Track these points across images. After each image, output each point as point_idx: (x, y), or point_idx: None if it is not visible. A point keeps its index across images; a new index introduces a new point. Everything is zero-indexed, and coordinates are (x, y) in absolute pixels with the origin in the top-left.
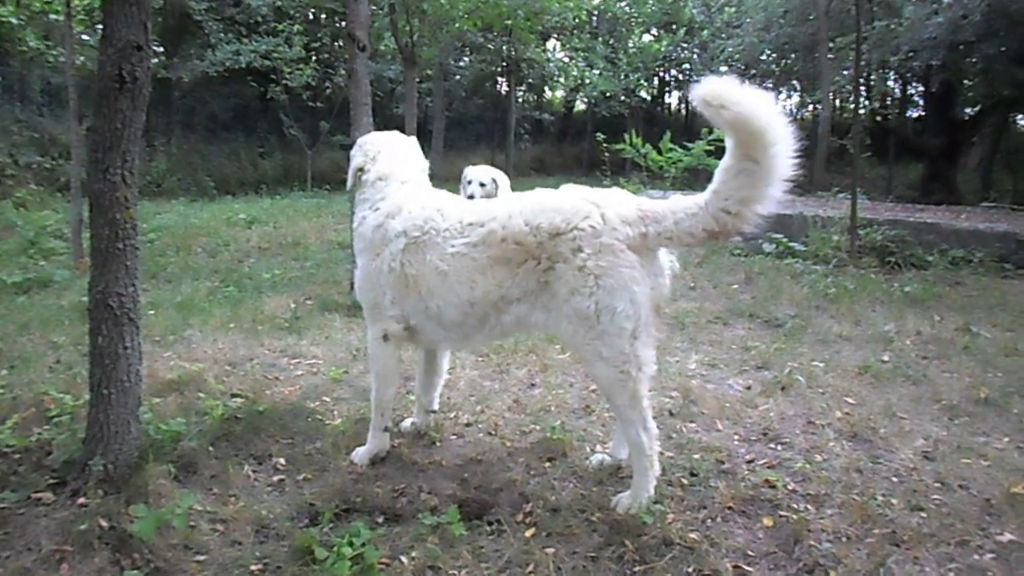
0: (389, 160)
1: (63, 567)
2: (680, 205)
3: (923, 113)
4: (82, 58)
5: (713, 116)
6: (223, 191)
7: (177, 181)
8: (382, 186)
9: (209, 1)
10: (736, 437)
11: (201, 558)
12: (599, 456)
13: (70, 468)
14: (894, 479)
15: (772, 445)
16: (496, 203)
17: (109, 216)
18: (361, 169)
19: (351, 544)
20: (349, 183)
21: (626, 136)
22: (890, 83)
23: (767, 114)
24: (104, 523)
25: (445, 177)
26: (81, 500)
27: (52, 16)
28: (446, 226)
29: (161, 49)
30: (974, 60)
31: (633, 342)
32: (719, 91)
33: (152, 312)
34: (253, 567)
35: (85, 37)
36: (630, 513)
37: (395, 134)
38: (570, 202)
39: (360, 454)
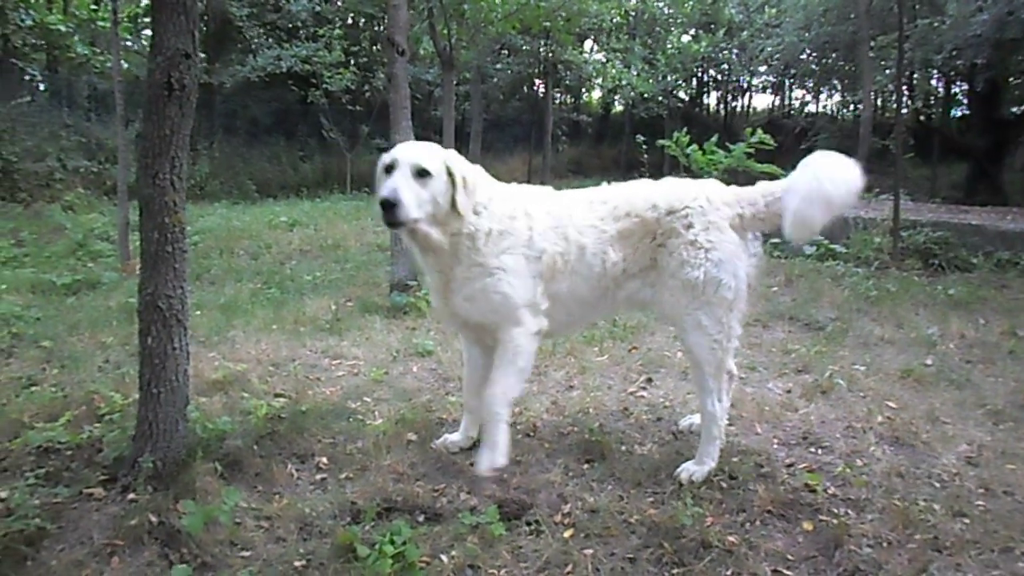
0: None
1: (114, 560)
2: (768, 189)
3: (967, 112)
4: (126, 64)
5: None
6: (264, 194)
7: (220, 184)
8: (487, 182)
9: (250, 7)
10: (775, 440)
11: (246, 554)
12: (690, 418)
13: (120, 464)
14: (936, 484)
15: (812, 449)
16: (604, 186)
17: (158, 220)
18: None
19: (392, 542)
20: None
21: (675, 135)
22: (933, 82)
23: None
24: (153, 518)
25: None
26: (131, 496)
27: (99, 23)
28: (572, 203)
29: (204, 55)
30: (1021, 58)
31: (729, 313)
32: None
33: (197, 313)
34: (297, 563)
35: (130, 43)
36: (694, 479)
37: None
38: (680, 185)
39: (486, 463)
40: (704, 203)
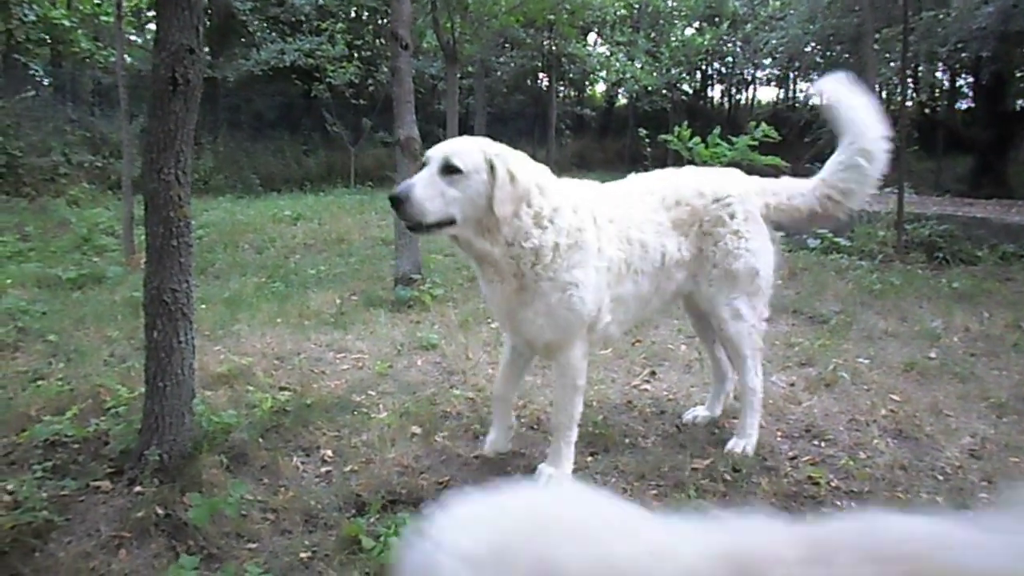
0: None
1: (121, 552)
2: (792, 184)
3: (972, 105)
4: (130, 58)
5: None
6: (268, 188)
7: (224, 179)
8: (555, 188)
9: (253, 1)
10: (779, 433)
11: (252, 545)
12: (694, 411)
13: (127, 457)
14: (939, 477)
15: (815, 442)
16: (642, 176)
17: (163, 214)
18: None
19: (397, 534)
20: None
21: (676, 129)
22: (938, 75)
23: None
24: (160, 510)
25: None
26: (138, 488)
27: (102, 18)
28: (624, 198)
29: (207, 49)
30: None
31: (761, 300)
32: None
33: (202, 307)
34: (302, 555)
35: (134, 37)
36: (747, 452)
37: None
38: (718, 174)
39: (552, 480)
40: (742, 191)
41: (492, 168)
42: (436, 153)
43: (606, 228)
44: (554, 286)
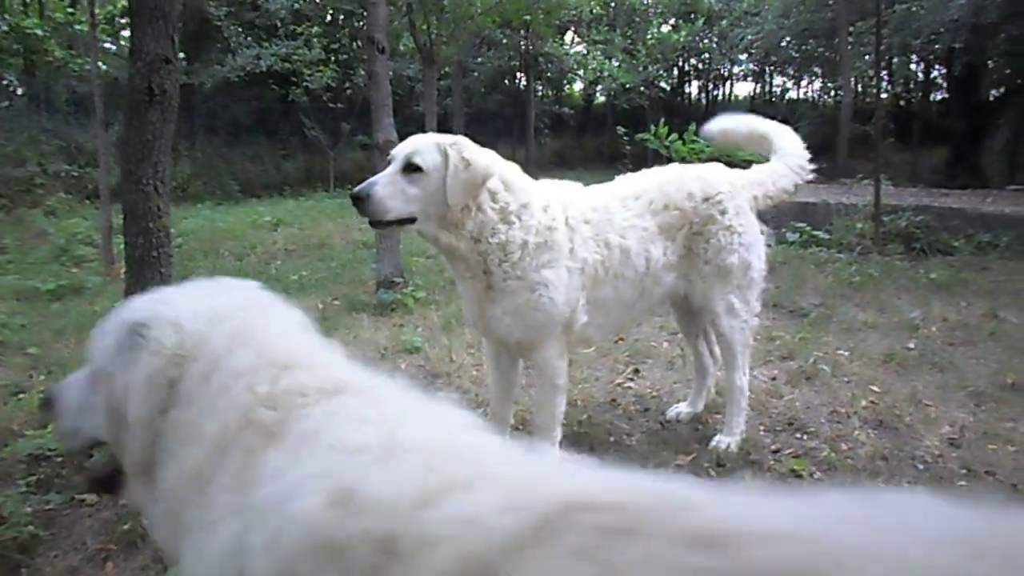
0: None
1: (108, 565)
2: (770, 169)
3: (947, 96)
4: (104, 66)
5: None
6: (247, 194)
7: (202, 185)
8: (524, 185)
9: (228, 7)
10: (762, 427)
11: None
12: (677, 408)
13: None
14: (920, 466)
15: (797, 434)
16: (629, 179)
17: (143, 225)
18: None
19: None
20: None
21: (652, 127)
22: (912, 66)
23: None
24: (146, 523)
25: None
26: (123, 501)
27: (76, 27)
28: (607, 204)
29: (182, 56)
30: (998, 42)
31: (754, 294)
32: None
33: None
34: None
35: (108, 45)
36: (731, 448)
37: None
38: (705, 171)
39: None
40: (730, 187)
41: (446, 157)
42: (399, 151)
43: (580, 229)
44: (522, 285)
